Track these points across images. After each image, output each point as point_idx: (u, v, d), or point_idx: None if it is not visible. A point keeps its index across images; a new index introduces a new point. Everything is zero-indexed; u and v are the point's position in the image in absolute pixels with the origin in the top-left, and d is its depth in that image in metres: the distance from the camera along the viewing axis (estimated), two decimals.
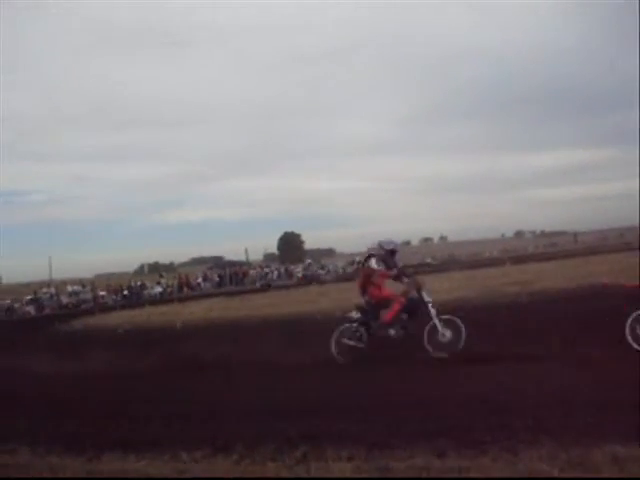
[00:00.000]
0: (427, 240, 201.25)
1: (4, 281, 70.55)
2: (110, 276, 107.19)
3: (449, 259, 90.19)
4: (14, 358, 20.92)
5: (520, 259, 60.93)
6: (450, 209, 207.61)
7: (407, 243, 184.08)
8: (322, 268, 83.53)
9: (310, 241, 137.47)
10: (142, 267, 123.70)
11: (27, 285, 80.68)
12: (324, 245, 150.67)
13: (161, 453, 8.36)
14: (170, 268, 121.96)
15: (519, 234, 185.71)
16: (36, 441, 9.50)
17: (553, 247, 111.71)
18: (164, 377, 14.99)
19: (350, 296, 32.07)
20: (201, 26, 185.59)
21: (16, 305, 60.72)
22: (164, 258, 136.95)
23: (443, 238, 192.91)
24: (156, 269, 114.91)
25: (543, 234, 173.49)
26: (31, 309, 59.57)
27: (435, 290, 29.60)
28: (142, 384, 14.32)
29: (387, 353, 14.29)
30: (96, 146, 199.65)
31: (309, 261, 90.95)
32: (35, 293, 65.62)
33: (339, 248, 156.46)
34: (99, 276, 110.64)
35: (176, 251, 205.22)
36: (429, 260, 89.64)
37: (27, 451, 9.16)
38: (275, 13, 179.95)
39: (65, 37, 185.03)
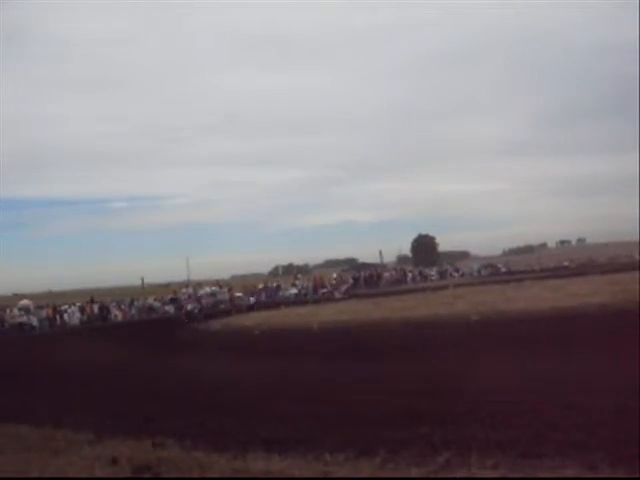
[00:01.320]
0: (564, 242, 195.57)
1: (146, 281, 72.72)
2: (245, 277, 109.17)
3: (588, 262, 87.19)
4: (160, 356, 21.62)
5: None
6: (589, 210, 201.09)
7: (543, 246, 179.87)
8: (456, 271, 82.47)
9: (444, 243, 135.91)
10: (277, 268, 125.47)
11: (166, 285, 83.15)
12: (458, 247, 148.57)
13: (305, 454, 8.40)
14: (304, 270, 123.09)
15: None
16: (183, 436, 9.76)
17: None
18: (305, 378, 15.08)
19: (486, 299, 31.72)
20: (334, 31, 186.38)
21: (157, 305, 62.55)
22: (298, 260, 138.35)
23: (581, 240, 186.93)
24: (290, 271, 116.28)
25: None
26: (170, 309, 61.18)
27: (573, 294, 28.96)
28: (284, 384, 14.47)
29: None
30: (235, 151, 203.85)
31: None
32: (175, 293, 67.46)
33: (473, 251, 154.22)
34: (235, 277, 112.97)
35: (310, 253, 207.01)
36: (566, 263, 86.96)
37: (175, 445, 9.42)
38: (405, 15, 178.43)
39: (202, 46, 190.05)
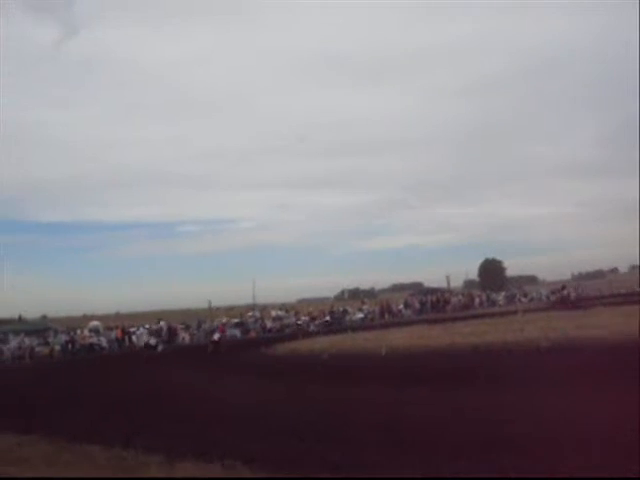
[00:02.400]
0: (635, 268, 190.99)
1: (213, 304, 73.34)
2: (312, 301, 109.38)
3: None
4: (226, 379, 21.70)
5: None
6: None
7: (614, 270, 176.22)
8: (524, 296, 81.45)
9: (512, 268, 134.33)
10: (343, 292, 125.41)
11: (232, 308, 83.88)
12: (526, 272, 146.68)
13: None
14: (370, 294, 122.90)
15: None
16: (252, 459, 9.74)
17: None
18: (374, 403, 14.92)
19: (557, 325, 31.13)
20: (402, 52, 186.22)
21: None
22: (364, 284, 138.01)
23: None
24: (356, 295, 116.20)
25: None
26: (237, 332, 61.59)
27: None
28: (352, 409, 14.37)
29: None
30: (302, 173, 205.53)
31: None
32: (241, 316, 67.92)
33: (541, 275, 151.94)
34: (301, 301, 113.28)
35: (376, 277, 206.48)
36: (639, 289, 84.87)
37: (244, 468, 9.41)
38: (471, 35, 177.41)
39: (268, 67, 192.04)
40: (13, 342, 53.64)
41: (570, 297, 61.78)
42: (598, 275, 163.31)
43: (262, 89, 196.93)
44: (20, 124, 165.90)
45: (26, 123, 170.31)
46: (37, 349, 52.66)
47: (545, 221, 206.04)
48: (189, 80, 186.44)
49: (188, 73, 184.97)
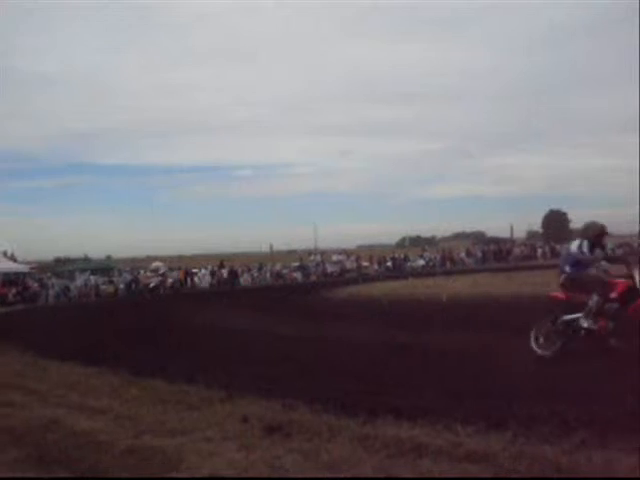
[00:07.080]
0: None
1: (274, 248, 73.98)
2: (372, 247, 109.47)
3: None
4: (287, 321, 21.89)
5: None
6: None
7: None
8: None
9: (577, 221, 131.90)
10: (404, 240, 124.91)
11: (293, 252, 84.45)
12: None
13: (435, 423, 8.28)
14: (431, 242, 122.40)
15: None
16: (313, 399, 9.83)
17: None
18: (435, 349, 14.86)
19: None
20: (466, 2, 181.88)
21: (285, 271, 63.70)
22: (426, 232, 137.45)
23: None
24: (417, 242, 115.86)
25: None
26: (298, 275, 62.19)
27: None
28: (413, 354, 14.35)
29: None
30: (363, 121, 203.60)
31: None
32: (301, 260, 68.43)
33: (608, 228, 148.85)
34: (360, 247, 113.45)
35: (438, 225, 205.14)
36: None
37: (305, 407, 9.50)
38: None
39: (334, 15, 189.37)
40: (79, 280, 55.05)
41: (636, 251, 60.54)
42: None
43: (326, 36, 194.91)
44: (81, 70, 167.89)
45: (87, 69, 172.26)
46: (102, 287, 54.01)
47: (612, 174, 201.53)
48: (249, 27, 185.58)
49: (248, 20, 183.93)
